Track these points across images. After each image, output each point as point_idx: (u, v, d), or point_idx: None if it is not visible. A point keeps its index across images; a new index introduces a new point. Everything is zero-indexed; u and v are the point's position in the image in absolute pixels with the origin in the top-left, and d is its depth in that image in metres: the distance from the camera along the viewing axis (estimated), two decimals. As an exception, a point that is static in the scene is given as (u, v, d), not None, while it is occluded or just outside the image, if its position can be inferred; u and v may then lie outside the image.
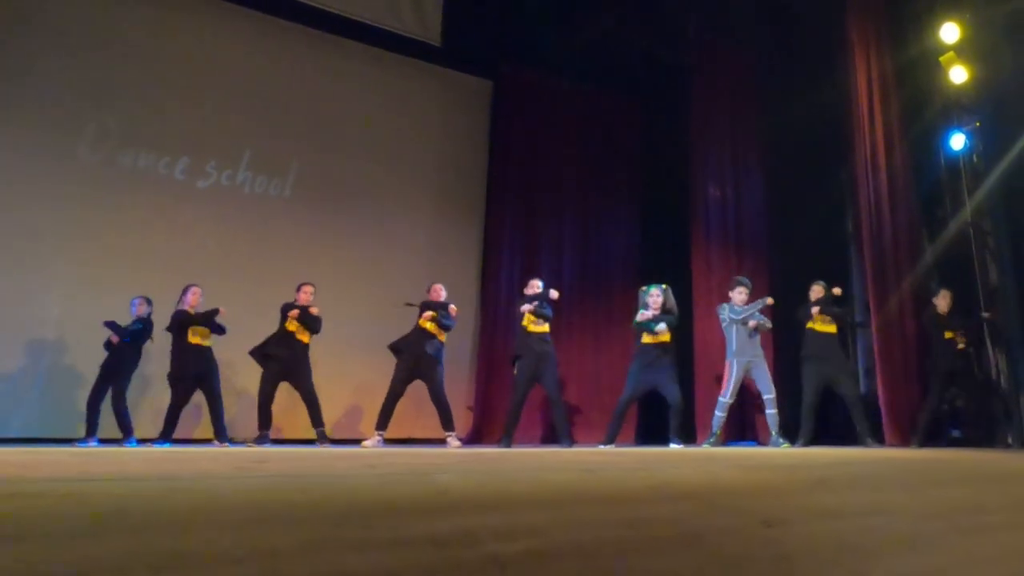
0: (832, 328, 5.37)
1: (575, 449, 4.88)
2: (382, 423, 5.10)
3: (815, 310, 5.35)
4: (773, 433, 5.27)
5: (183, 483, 1.49)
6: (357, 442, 5.27)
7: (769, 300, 5.47)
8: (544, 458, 3.11)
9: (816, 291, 5.49)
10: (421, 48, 7.11)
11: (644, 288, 5.64)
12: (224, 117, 6.33)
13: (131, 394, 5.03)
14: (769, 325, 5.50)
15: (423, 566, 0.96)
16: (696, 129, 7.06)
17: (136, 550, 0.93)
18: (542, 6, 7.02)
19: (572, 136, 7.70)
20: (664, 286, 5.58)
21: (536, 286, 5.59)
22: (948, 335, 5.16)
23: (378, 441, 5.07)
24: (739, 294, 5.49)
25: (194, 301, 5.09)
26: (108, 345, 4.99)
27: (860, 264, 6.34)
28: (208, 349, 5.07)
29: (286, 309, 5.21)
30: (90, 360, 5.44)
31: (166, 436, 4.88)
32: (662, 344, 5.33)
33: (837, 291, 5.40)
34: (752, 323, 5.37)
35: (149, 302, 5.14)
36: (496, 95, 7.65)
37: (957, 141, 5.95)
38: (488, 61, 7.50)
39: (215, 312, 5.09)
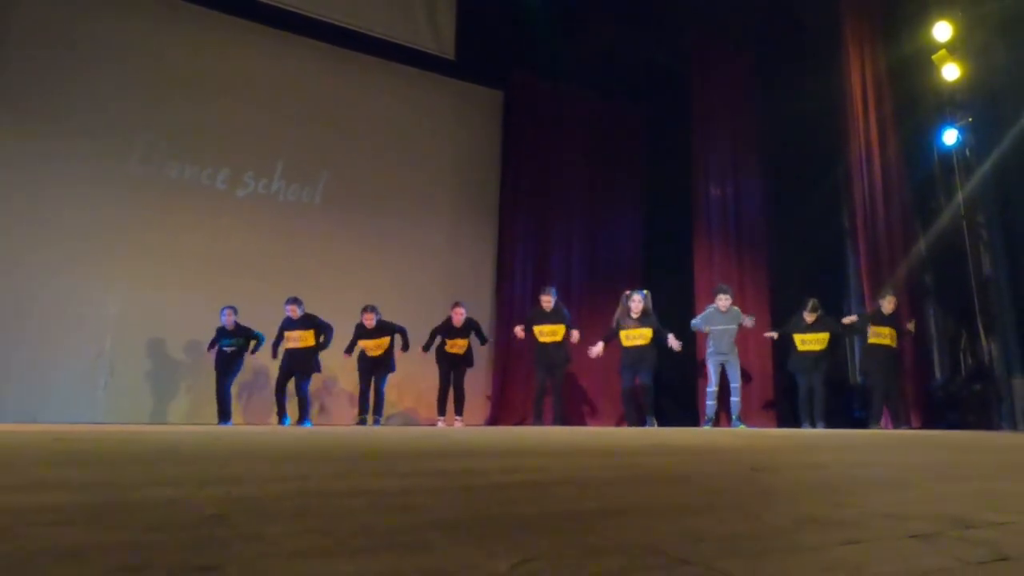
0: (817, 347, 5.53)
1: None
2: (441, 410, 5.77)
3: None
4: (734, 416, 5.62)
5: (228, 434, 1.58)
6: None
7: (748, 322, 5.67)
8: (553, 430, 3.16)
9: (808, 314, 5.58)
10: (437, 62, 7.22)
11: (627, 293, 5.81)
12: (260, 132, 6.50)
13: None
14: (750, 324, 5.71)
15: (433, 488, 1.03)
16: (696, 131, 7.04)
17: (186, 472, 1.01)
18: (549, 20, 7.08)
19: (579, 141, 7.73)
20: (645, 292, 5.77)
21: (550, 294, 5.83)
22: (878, 333, 5.29)
23: (443, 425, 5.66)
24: (721, 300, 5.68)
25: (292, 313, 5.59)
26: (212, 346, 5.55)
27: (856, 257, 6.28)
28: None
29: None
30: (147, 352, 5.66)
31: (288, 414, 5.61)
32: (641, 346, 5.61)
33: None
34: (748, 323, 5.63)
35: (236, 311, 5.54)
36: (507, 104, 7.72)
37: (950, 136, 5.86)
38: (499, 73, 7.57)
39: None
